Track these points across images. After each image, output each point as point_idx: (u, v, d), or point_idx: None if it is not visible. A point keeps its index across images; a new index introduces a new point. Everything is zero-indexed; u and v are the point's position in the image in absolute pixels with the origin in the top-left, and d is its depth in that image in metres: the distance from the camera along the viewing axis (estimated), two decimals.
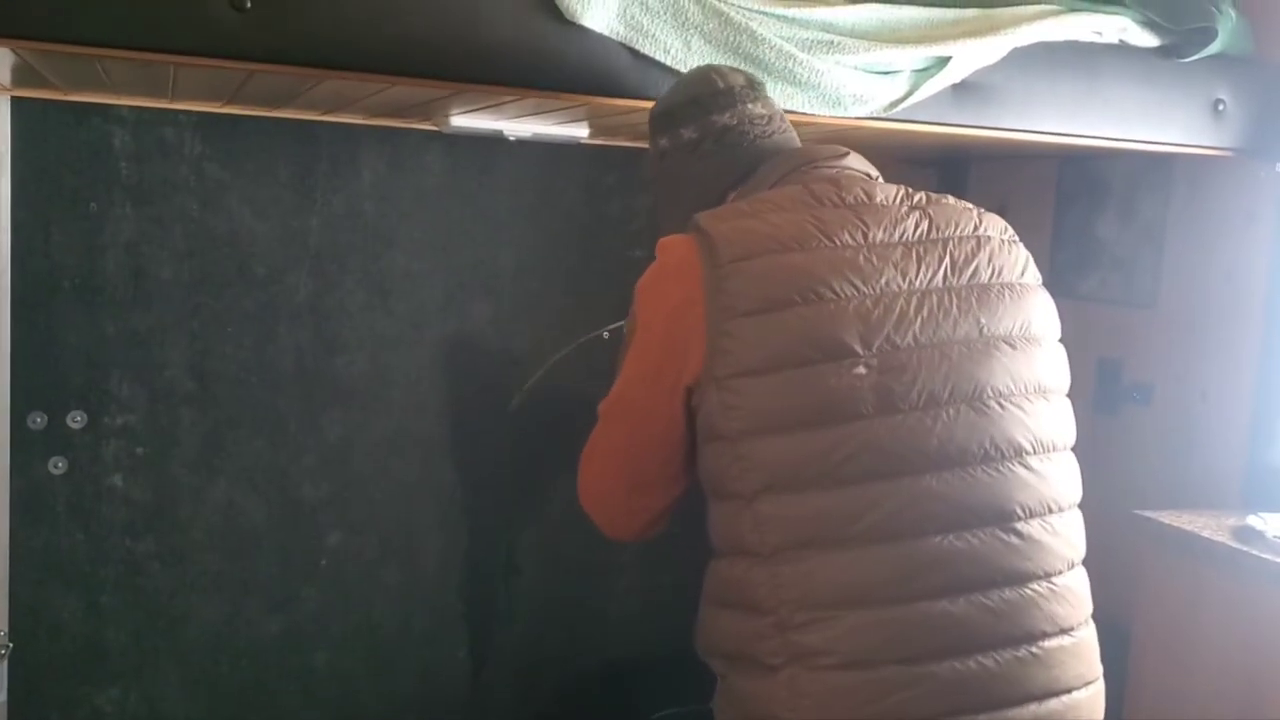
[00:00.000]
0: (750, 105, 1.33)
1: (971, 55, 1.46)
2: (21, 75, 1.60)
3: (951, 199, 1.27)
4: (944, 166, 2.40)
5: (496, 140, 1.97)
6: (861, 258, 1.17)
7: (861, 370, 1.13)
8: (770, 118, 1.33)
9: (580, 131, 1.86)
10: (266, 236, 2.02)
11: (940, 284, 1.19)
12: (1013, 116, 1.53)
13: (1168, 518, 1.69)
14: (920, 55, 1.44)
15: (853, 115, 1.44)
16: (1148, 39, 1.62)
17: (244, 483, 2.04)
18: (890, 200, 1.23)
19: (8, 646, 1.87)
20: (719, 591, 1.19)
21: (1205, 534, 1.64)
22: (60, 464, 1.92)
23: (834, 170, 1.27)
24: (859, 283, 1.15)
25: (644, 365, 1.21)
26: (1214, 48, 1.62)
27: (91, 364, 1.93)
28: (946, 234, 1.22)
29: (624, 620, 2.36)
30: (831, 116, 1.43)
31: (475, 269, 2.17)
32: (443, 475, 2.19)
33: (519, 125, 1.80)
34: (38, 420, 1.90)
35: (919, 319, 1.16)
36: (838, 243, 1.17)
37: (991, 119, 1.53)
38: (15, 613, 1.90)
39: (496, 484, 2.23)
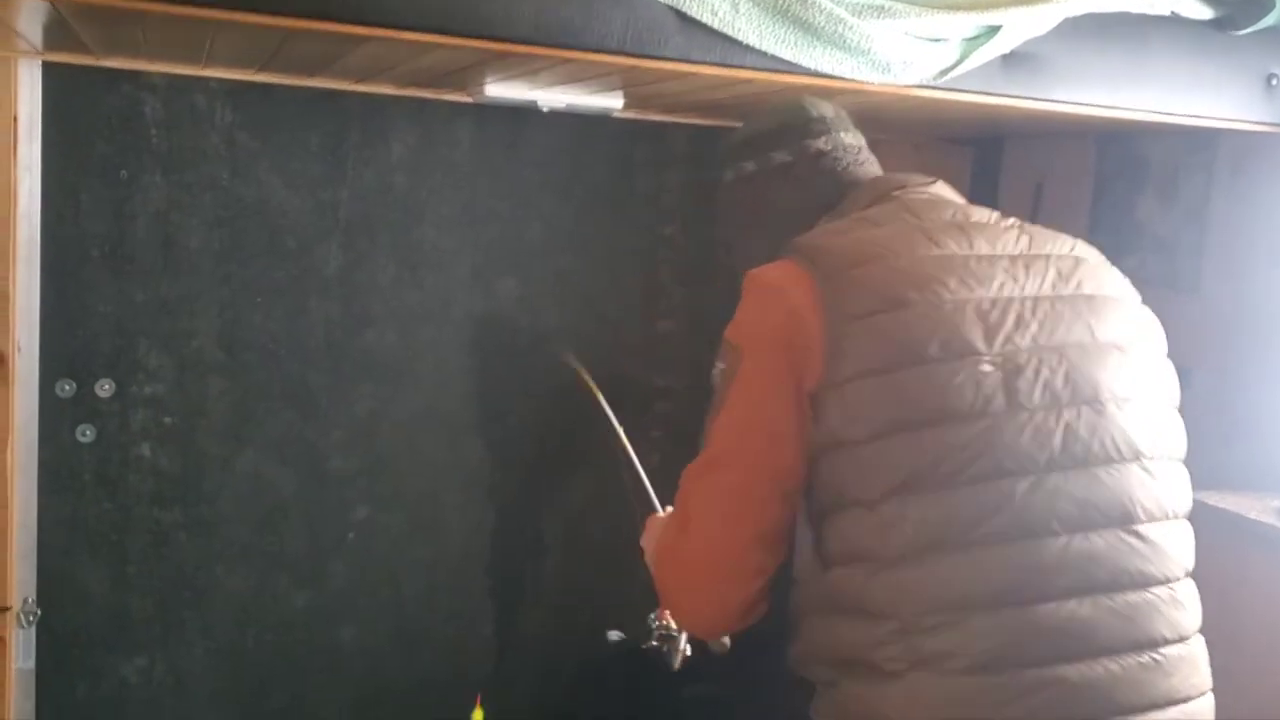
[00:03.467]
0: (843, 134, 1.33)
1: (1022, 24, 1.43)
2: (53, 38, 1.59)
3: (1041, 226, 1.27)
4: (982, 146, 2.37)
5: (526, 113, 1.95)
6: (972, 263, 1.16)
7: (987, 368, 1.11)
8: (860, 148, 1.33)
9: (614, 102, 1.83)
10: (297, 207, 2.00)
11: (1050, 291, 1.18)
12: (1062, 88, 1.50)
13: (1213, 499, 1.67)
14: (971, 23, 1.41)
15: (901, 82, 1.41)
16: (1200, 10, 1.59)
17: (272, 455, 2.03)
18: (988, 219, 1.24)
19: (36, 613, 1.87)
20: (828, 600, 1.16)
21: (1251, 515, 1.62)
22: (88, 432, 1.91)
23: (925, 195, 1.27)
24: (974, 284, 1.14)
25: (757, 388, 1.16)
26: (1269, 20, 1.58)
27: (120, 332, 1.92)
28: (1047, 250, 1.22)
29: (649, 601, 2.34)
30: (881, 83, 1.41)
31: (504, 244, 2.15)
32: (470, 452, 2.17)
33: (553, 95, 1.77)
34: (66, 388, 1.89)
35: (1035, 321, 1.15)
36: (946, 250, 1.16)
37: (1040, 90, 1.50)
38: (43, 581, 1.89)
39: (523, 463, 2.22)
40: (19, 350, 1.81)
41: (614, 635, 1.99)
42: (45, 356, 1.87)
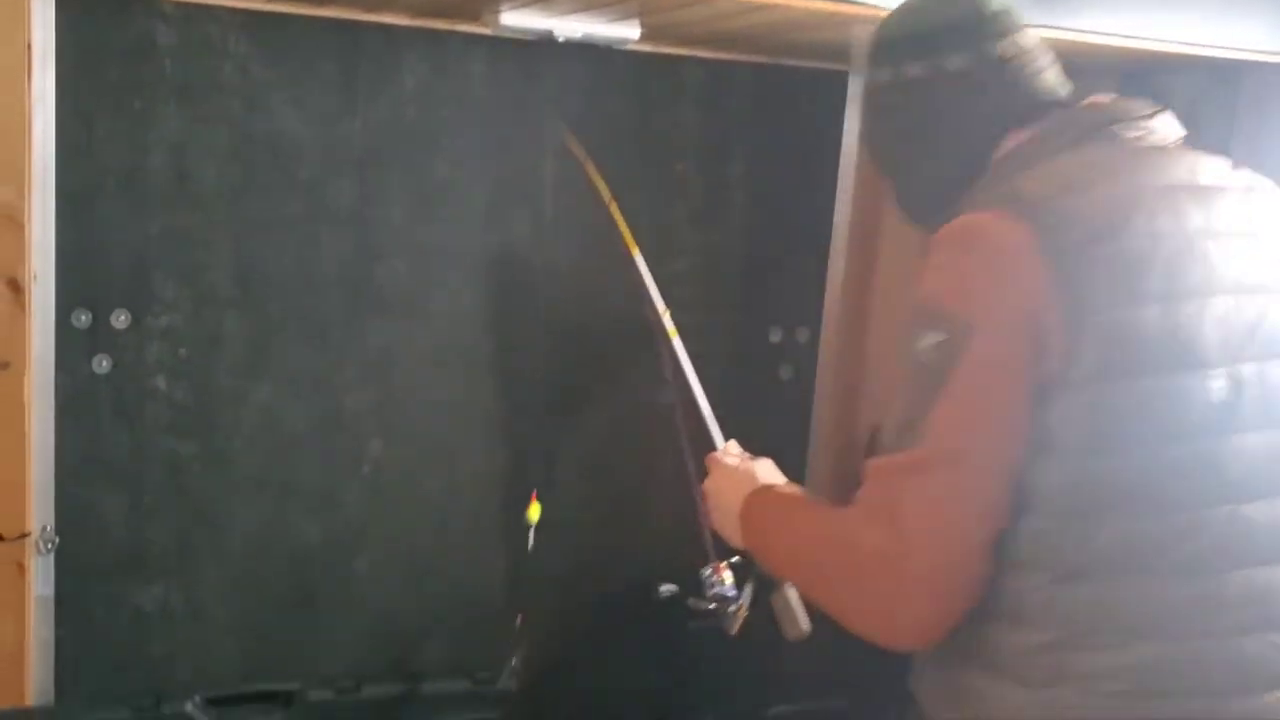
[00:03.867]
0: (1020, 36, 1.18)
1: None
2: None
3: (1258, 177, 1.16)
4: None
5: (540, 46, 1.94)
6: (1212, 249, 1.06)
7: (1217, 383, 1.03)
8: (1041, 53, 1.19)
9: (631, 32, 1.82)
10: (310, 140, 1.99)
11: (1273, 283, 1.09)
12: (1089, 15, 1.48)
13: None
14: None
15: None
16: None
17: (286, 388, 2.04)
18: (1217, 180, 1.12)
19: (54, 541, 1.89)
20: (982, 600, 1.09)
21: None
22: (104, 363, 1.92)
23: (1153, 138, 1.14)
24: (1214, 281, 1.05)
25: (994, 376, 1.03)
26: None
27: (135, 264, 1.92)
28: (1271, 227, 1.11)
29: (660, 537, 2.36)
30: None
31: (517, 179, 2.15)
32: (483, 388, 2.18)
33: (569, 24, 1.76)
34: (82, 319, 1.89)
35: (1261, 328, 1.06)
36: (1187, 223, 1.06)
37: (1068, 18, 1.48)
38: (61, 509, 1.91)
39: (537, 399, 2.22)
40: (35, 279, 1.82)
41: (665, 589, 1.89)
42: (61, 287, 1.87)
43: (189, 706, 1.94)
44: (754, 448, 1.63)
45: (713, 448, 1.63)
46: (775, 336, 2.39)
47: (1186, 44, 1.57)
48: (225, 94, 1.93)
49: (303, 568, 2.10)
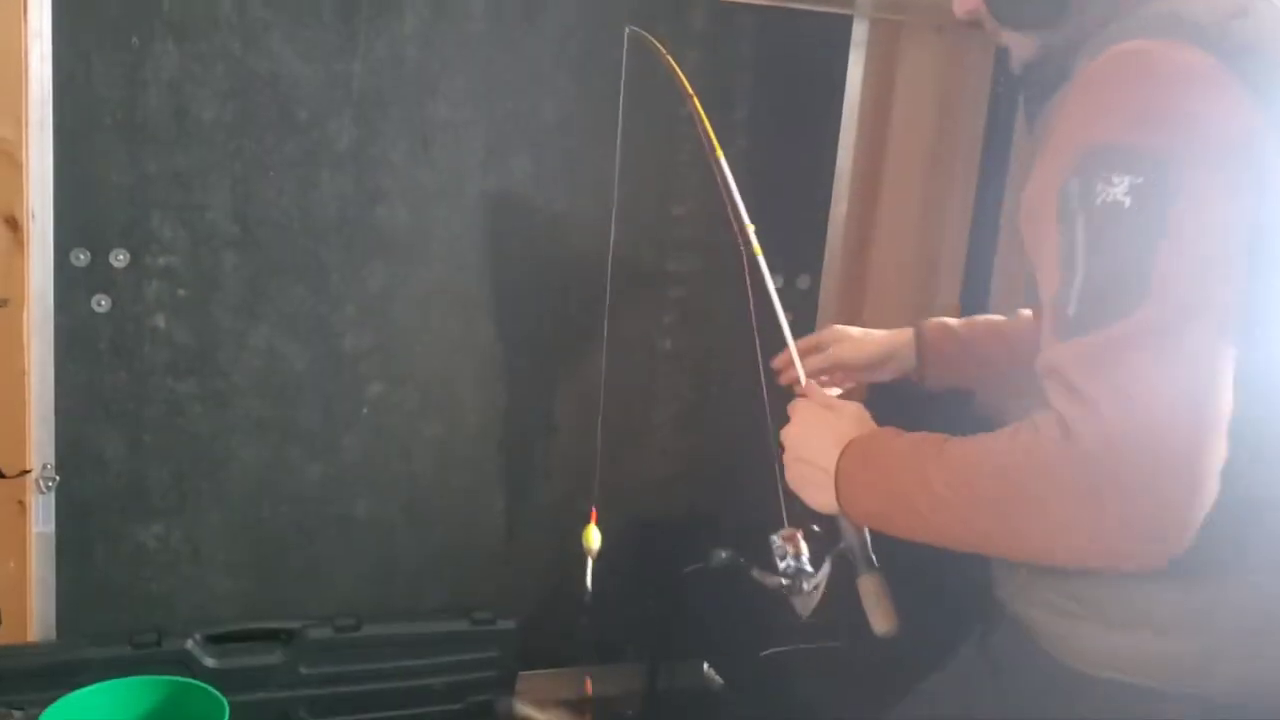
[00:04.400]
0: None
1: None
2: None
3: None
4: None
5: None
6: None
7: None
8: None
9: None
10: (309, 80, 1.98)
11: None
12: None
13: None
14: None
15: None
16: None
17: (285, 329, 2.04)
18: None
19: (54, 479, 1.90)
20: None
21: None
22: (103, 302, 1.92)
23: None
24: None
25: (1220, 213, 0.89)
26: None
27: (134, 203, 1.92)
28: None
29: (657, 481, 2.37)
30: None
31: (517, 121, 2.13)
32: (483, 331, 2.18)
33: None
34: (80, 257, 1.89)
35: None
36: None
37: None
38: (61, 447, 1.92)
39: (536, 343, 2.22)
40: (33, 217, 1.82)
41: (722, 554, 1.60)
42: (60, 225, 1.87)
43: (190, 644, 1.97)
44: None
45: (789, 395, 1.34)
46: (776, 283, 2.38)
47: None
48: (223, 31, 1.91)
49: (302, 507, 2.11)
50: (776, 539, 1.35)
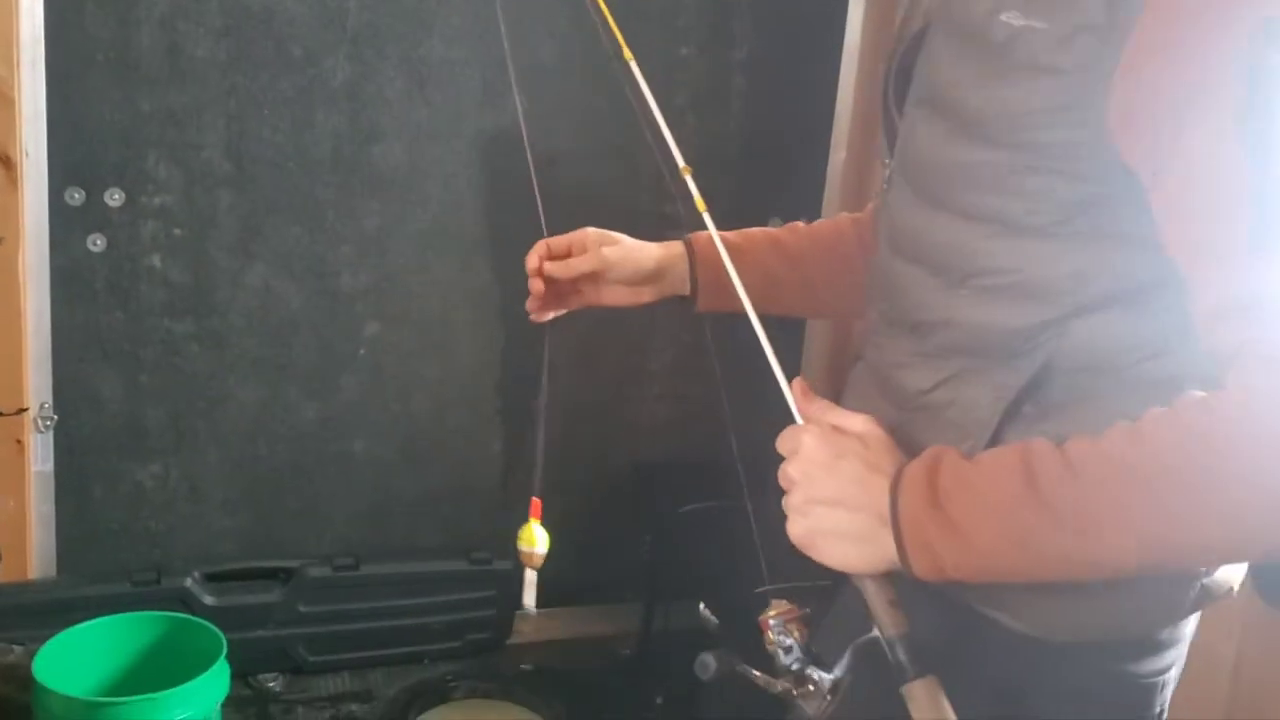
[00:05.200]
0: None
1: None
2: None
3: None
4: None
5: None
6: None
7: None
8: None
9: None
10: (304, 16, 1.95)
11: None
12: None
13: None
14: None
15: None
16: None
17: (281, 269, 2.04)
18: None
19: (52, 418, 1.90)
20: None
21: None
22: (99, 241, 1.91)
23: None
24: None
25: None
26: None
27: (128, 142, 1.90)
28: None
29: (654, 426, 2.38)
30: None
31: (514, 60, 2.11)
32: (480, 272, 2.17)
33: None
34: (75, 196, 1.88)
35: None
36: None
37: None
38: (58, 387, 1.92)
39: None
40: (26, 155, 1.81)
41: (710, 662, 1.01)
42: (54, 164, 1.85)
43: (189, 582, 1.98)
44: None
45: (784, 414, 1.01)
46: (774, 226, 2.38)
47: None
48: None
49: (300, 447, 2.12)
50: (772, 619, 1.02)
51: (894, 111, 1.13)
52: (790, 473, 0.94)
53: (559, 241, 1.41)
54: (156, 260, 1.96)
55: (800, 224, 1.45)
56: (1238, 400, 0.78)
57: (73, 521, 2.00)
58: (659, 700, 2.14)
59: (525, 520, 1.41)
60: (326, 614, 2.07)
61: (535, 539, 1.39)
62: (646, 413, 2.36)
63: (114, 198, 1.91)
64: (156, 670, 1.70)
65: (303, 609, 2.06)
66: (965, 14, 0.97)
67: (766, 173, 2.33)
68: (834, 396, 1.07)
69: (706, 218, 1.19)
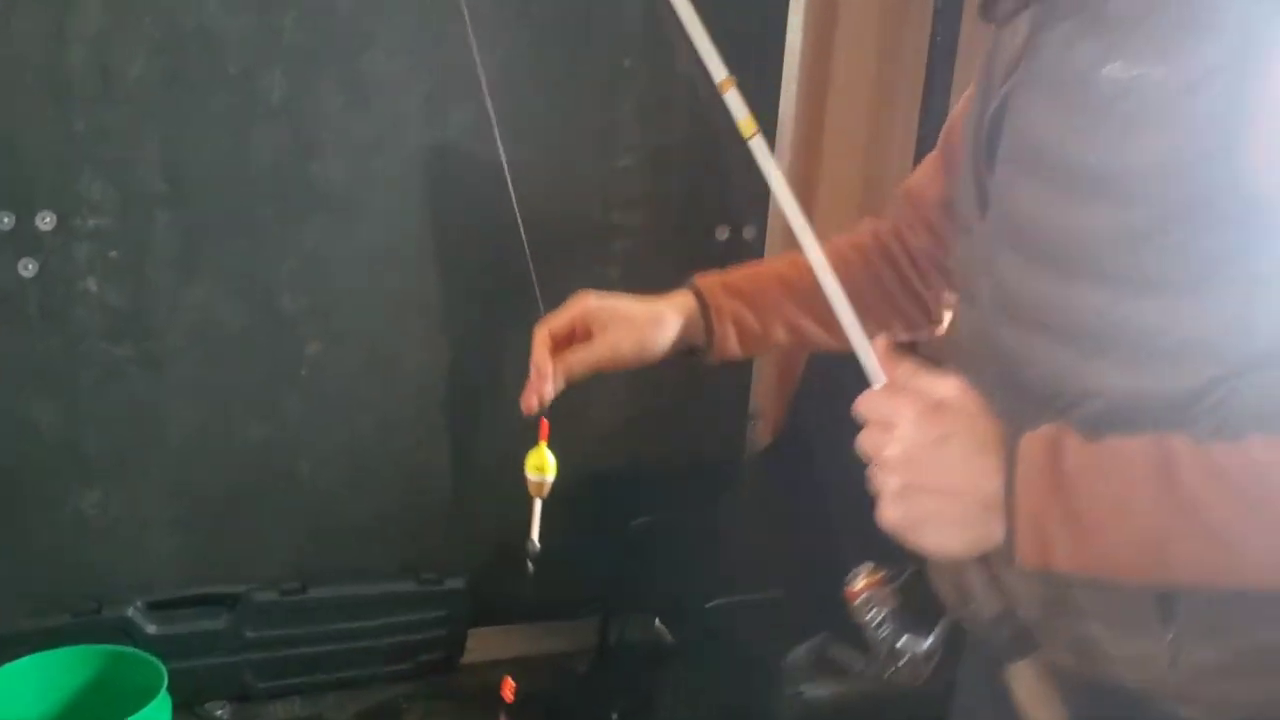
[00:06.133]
0: None
1: None
2: None
3: None
4: None
5: None
6: None
7: None
8: None
9: None
10: (238, 31, 1.92)
11: None
12: None
13: None
14: None
15: None
16: None
17: (221, 289, 2.00)
18: None
19: None
20: None
21: None
22: (30, 266, 1.87)
23: None
24: None
25: None
26: None
27: (60, 163, 1.86)
28: None
29: (607, 435, 2.36)
30: None
31: (457, 72, 2.08)
32: (425, 287, 2.15)
33: None
34: (5, 221, 1.84)
35: None
36: None
37: None
38: None
39: (480, 297, 2.19)
40: None
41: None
42: None
43: (130, 611, 1.94)
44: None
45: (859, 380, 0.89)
46: (722, 234, 2.37)
47: None
48: None
49: (244, 470, 2.08)
50: (861, 589, 0.94)
51: (983, 169, 1.02)
52: (888, 455, 0.82)
53: (559, 325, 1.26)
54: (92, 283, 1.92)
55: (800, 258, 1.23)
56: None
57: (11, 552, 1.95)
58: (614, 717, 2.12)
59: (534, 445, 1.31)
60: (274, 639, 2.04)
61: (547, 464, 1.28)
62: (597, 423, 2.34)
63: (45, 220, 1.86)
64: (96, 706, 1.67)
65: (249, 635, 2.02)
66: (1059, 70, 0.90)
67: (713, 180, 2.32)
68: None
69: (754, 144, 1.03)
